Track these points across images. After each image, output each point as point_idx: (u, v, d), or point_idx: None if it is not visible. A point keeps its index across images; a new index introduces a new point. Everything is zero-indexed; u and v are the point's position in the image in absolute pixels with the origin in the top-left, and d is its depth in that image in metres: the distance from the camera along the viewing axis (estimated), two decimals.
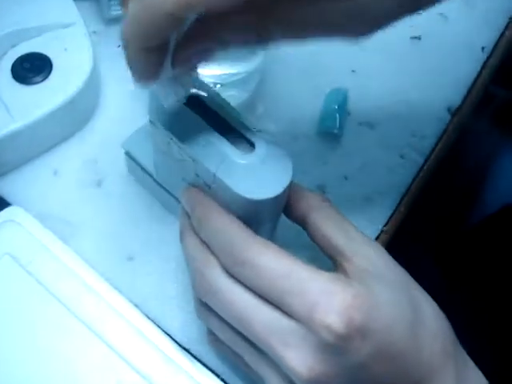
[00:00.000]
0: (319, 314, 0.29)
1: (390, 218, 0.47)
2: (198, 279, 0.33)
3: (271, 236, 0.38)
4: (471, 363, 0.35)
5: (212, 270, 0.33)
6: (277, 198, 0.32)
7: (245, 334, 0.32)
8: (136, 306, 0.41)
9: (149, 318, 0.41)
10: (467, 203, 0.69)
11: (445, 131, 0.52)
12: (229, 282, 0.32)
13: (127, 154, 0.44)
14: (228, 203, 0.33)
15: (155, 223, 0.44)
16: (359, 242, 0.34)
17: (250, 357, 0.34)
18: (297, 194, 0.35)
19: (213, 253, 0.33)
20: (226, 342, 0.35)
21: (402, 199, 0.48)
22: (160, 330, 0.40)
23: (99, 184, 0.46)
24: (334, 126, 0.49)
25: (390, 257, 0.34)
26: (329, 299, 0.30)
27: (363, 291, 0.31)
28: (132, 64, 0.29)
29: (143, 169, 0.43)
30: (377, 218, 0.47)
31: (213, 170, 0.32)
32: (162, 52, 0.29)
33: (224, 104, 0.35)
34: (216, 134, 0.33)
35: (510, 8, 0.60)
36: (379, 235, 0.47)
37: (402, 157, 0.50)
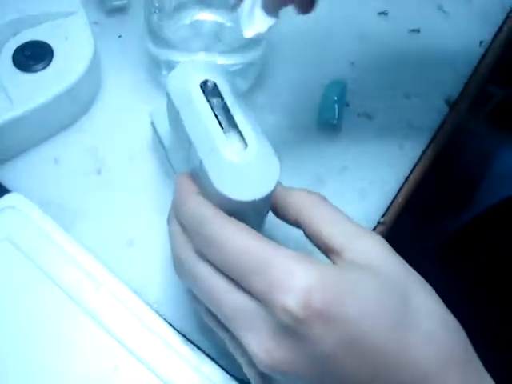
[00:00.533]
0: (276, 294, 0.28)
1: (388, 209, 0.48)
2: (175, 261, 0.34)
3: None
4: (487, 378, 0.31)
5: (185, 251, 0.33)
6: (255, 201, 0.32)
7: (217, 315, 0.32)
8: (135, 292, 0.41)
9: (148, 304, 0.41)
10: (464, 196, 0.70)
11: (443, 123, 0.52)
12: (199, 263, 0.32)
13: (152, 123, 0.44)
14: (210, 195, 0.33)
15: (155, 210, 0.45)
16: (353, 236, 0.32)
17: (225, 339, 0.34)
18: (286, 195, 0.35)
19: (187, 235, 0.33)
20: (208, 323, 0.35)
21: (399, 190, 0.49)
22: (159, 317, 0.41)
23: (99, 172, 0.46)
24: (333, 117, 0.49)
25: (391, 250, 0.32)
26: (289, 278, 0.28)
27: (332, 274, 0.29)
28: None
29: (160, 142, 0.44)
30: (374, 209, 0.47)
31: (201, 156, 0.33)
32: None
33: (236, 97, 0.35)
34: (216, 125, 0.33)
35: (508, 3, 0.60)
36: (376, 226, 0.47)
37: (400, 148, 0.50)
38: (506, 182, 0.67)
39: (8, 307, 0.39)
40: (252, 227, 0.31)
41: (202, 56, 0.47)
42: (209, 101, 0.34)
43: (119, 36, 0.53)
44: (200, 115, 0.34)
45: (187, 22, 0.49)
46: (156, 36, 0.47)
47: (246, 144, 0.33)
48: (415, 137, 0.51)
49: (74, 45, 0.47)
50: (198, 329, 0.41)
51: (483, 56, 0.57)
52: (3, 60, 0.46)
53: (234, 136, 0.34)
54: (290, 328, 0.28)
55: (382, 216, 0.47)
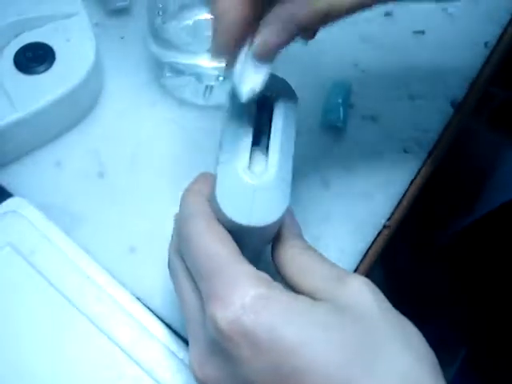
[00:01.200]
0: (212, 303, 0.27)
1: (393, 212, 0.47)
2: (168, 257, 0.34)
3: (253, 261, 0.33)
4: None
5: (171, 248, 0.33)
6: (242, 227, 0.30)
7: None
8: (138, 298, 0.41)
9: (151, 310, 0.41)
10: (469, 198, 0.69)
11: (448, 125, 0.52)
12: (177, 261, 0.32)
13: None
14: (212, 201, 0.32)
15: (158, 215, 0.44)
16: (331, 281, 0.29)
17: None
18: (284, 243, 0.33)
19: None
20: None
21: (405, 193, 0.48)
22: (162, 323, 0.40)
23: (101, 175, 0.46)
24: (337, 119, 0.49)
25: (375, 293, 0.28)
26: (229, 291, 0.27)
27: (280, 299, 0.27)
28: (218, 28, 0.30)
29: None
30: (379, 212, 0.47)
31: (219, 160, 0.32)
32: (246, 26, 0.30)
33: (288, 120, 0.34)
34: (248, 138, 0.32)
35: None
36: (381, 230, 0.46)
37: (405, 150, 0.49)
38: (508, 185, 0.67)
39: (9, 313, 0.39)
40: (244, 251, 0.30)
41: (204, 58, 0.46)
42: (260, 114, 0.33)
43: (121, 37, 0.53)
44: (240, 123, 0.33)
45: (190, 22, 0.49)
46: (159, 37, 0.47)
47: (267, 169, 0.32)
48: (420, 139, 0.50)
49: (75, 46, 0.47)
50: None
51: (488, 57, 0.56)
52: (5, 62, 0.45)
53: (260, 156, 0.33)
54: (218, 343, 0.27)
55: (388, 219, 0.47)
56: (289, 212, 0.33)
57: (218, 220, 0.31)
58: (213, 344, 0.28)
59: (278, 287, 0.28)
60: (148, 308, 0.41)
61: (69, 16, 0.48)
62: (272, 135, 0.32)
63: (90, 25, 0.48)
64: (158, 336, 0.39)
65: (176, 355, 0.39)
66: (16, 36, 0.47)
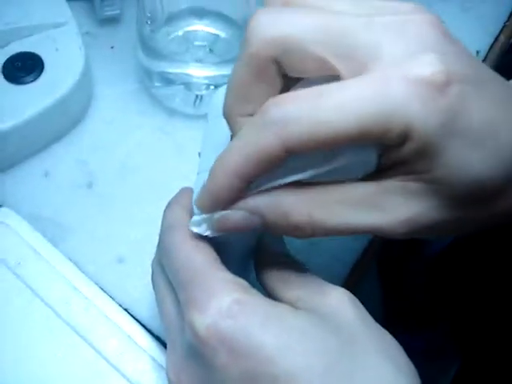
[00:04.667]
0: (190, 309, 0.27)
1: None
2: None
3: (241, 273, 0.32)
4: None
5: (154, 261, 0.33)
6: (223, 238, 0.30)
7: None
8: (125, 309, 0.41)
9: (138, 321, 0.40)
10: None
11: None
12: (157, 273, 0.32)
13: None
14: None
15: (146, 225, 0.44)
16: (312, 291, 0.29)
17: None
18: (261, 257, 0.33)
19: None
20: None
21: None
22: (150, 335, 0.40)
23: (90, 185, 0.46)
24: None
25: (356, 306, 0.28)
26: (208, 297, 0.27)
27: (256, 304, 0.27)
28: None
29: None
30: None
31: (197, 171, 0.32)
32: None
33: None
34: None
35: (504, 13, 0.59)
36: (374, 237, 0.46)
37: None
38: None
39: None
40: (229, 263, 0.30)
41: (194, 67, 0.46)
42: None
43: (111, 47, 0.53)
44: (219, 133, 0.33)
45: (180, 33, 0.49)
46: (148, 47, 0.47)
47: None
48: None
49: (64, 56, 0.47)
50: None
51: None
52: None
53: None
54: (195, 349, 0.27)
55: None
56: None
57: None
58: (190, 350, 0.27)
59: (256, 293, 0.28)
60: (136, 319, 0.40)
61: (58, 25, 0.48)
62: None
63: (79, 34, 0.48)
64: (145, 348, 0.39)
65: (164, 367, 0.38)
66: (4, 46, 0.46)
